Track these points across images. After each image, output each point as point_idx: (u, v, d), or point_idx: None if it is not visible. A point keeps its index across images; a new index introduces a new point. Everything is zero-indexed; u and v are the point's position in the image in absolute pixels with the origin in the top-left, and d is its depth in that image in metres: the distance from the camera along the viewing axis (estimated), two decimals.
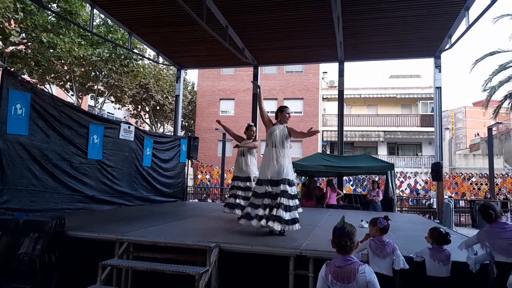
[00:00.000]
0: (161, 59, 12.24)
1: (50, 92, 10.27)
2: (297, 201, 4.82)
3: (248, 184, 6.12)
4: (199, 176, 21.69)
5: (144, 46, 14.24)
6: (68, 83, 18.52)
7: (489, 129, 17.19)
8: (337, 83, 11.77)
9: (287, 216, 4.57)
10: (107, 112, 26.03)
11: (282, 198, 4.61)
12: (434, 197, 12.81)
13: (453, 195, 18.12)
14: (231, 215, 6.17)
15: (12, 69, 12.75)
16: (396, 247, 3.31)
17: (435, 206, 12.19)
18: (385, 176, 10.87)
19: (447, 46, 9.75)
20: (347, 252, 2.40)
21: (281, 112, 5.11)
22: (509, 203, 15.47)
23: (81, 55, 15.55)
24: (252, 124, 6.59)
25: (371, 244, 3.37)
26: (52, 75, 17.41)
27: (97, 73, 18.66)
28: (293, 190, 4.75)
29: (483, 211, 3.38)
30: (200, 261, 3.99)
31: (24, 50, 14.77)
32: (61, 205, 6.11)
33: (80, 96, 19.19)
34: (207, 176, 21.71)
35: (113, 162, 7.51)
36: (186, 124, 29.88)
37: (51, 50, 14.50)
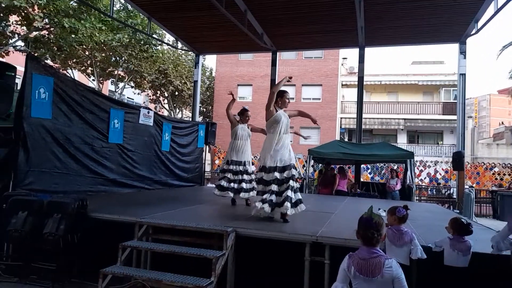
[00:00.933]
0: (180, 45, 12.27)
1: (72, 77, 10.46)
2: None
3: (241, 168, 6.09)
4: (216, 162, 21.84)
5: (163, 31, 14.26)
6: (89, 68, 18.82)
7: None
8: (357, 69, 11.55)
9: (297, 196, 4.73)
10: (127, 97, 26.40)
11: (292, 181, 4.68)
12: (455, 186, 12.57)
13: (474, 185, 17.73)
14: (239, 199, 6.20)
15: (35, 54, 13.02)
16: (414, 237, 3.28)
17: (455, 196, 11.97)
18: (404, 164, 10.71)
19: (474, 31, 9.40)
20: (373, 245, 2.27)
21: (281, 97, 4.98)
22: None
23: (102, 40, 15.73)
24: (247, 108, 6.47)
25: (388, 232, 3.31)
26: (74, 60, 17.71)
27: (117, 58, 18.87)
28: (297, 173, 4.85)
29: None
30: (217, 245, 4.05)
31: (47, 35, 15.04)
32: (83, 187, 6.27)
33: (101, 81, 19.49)
34: None
35: (133, 146, 7.64)
36: (204, 109, 30.03)
37: (73, 35, 14.71)
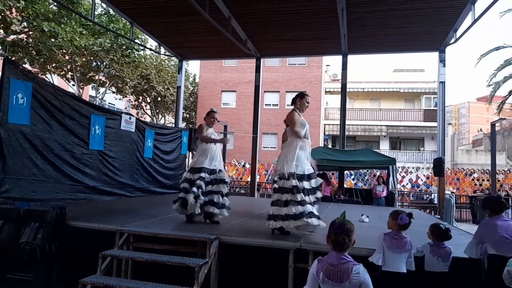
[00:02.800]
0: (162, 50, 12.17)
1: (52, 82, 10.23)
2: None
3: (215, 176, 5.24)
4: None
5: (146, 36, 14.14)
6: (69, 73, 18.47)
7: (492, 125, 17.05)
8: (340, 76, 11.69)
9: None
10: (108, 103, 26.02)
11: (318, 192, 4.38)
12: (436, 192, 12.80)
13: (454, 191, 18.11)
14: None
15: (13, 58, 12.71)
16: (412, 248, 3.25)
17: (436, 202, 12.18)
18: (386, 170, 10.84)
19: (452, 40, 9.64)
20: (343, 250, 2.31)
21: (302, 98, 4.65)
22: (510, 199, 15.44)
23: (83, 45, 15.47)
24: (215, 110, 5.64)
25: (385, 238, 3.21)
26: (53, 65, 17.35)
27: (99, 63, 18.60)
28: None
29: (490, 202, 3.41)
30: (200, 252, 4.00)
31: (25, 39, 14.70)
32: (62, 195, 6.10)
33: (81, 86, 19.15)
34: None
35: (114, 153, 7.49)
36: (188, 115, 29.86)
37: (53, 40, 14.42)
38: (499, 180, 19.55)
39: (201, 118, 28.19)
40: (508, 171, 22.54)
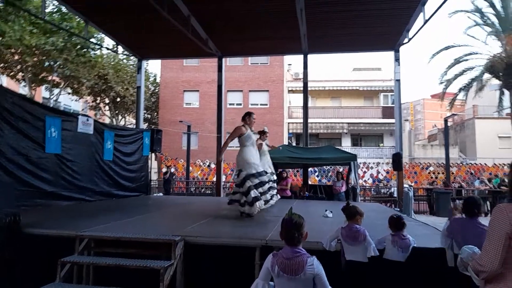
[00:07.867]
0: (120, 49, 11.80)
1: (0, 83, 9.65)
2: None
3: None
4: (164, 170, 21.31)
5: (103, 35, 13.67)
6: (20, 73, 17.49)
7: (445, 121, 18.03)
8: (302, 75, 11.87)
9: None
10: (64, 104, 24.86)
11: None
12: (395, 186, 13.31)
13: (412, 184, 18.88)
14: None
15: None
16: (366, 234, 3.39)
17: (395, 195, 12.66)
18: (348, 166, 11.14)
19: (406, 40, 10.06)
20: (295, 244, 2.36)
21: (249, 116, 6.05)
22: (463, 190, 16.37)
23: (33, 44, 14.69)
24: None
25: (342, 232, 3.46)
26: (1, 65, 16.37)
27: (51, 63, 17.72)
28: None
29: (468, 206, 3.30)
30: (165, 255, 3.91)
31: None
32: (17, 201, 5.78)
33: (33, 88, 18.17)
34: (172, 170, 21.36)
35: (72, 156, 7.19)
36: (149, 116, 29.20)
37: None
38: (453, 173, 20.63)
39: (163, 118, 27.68)
40: (461, 164, 23.85)
